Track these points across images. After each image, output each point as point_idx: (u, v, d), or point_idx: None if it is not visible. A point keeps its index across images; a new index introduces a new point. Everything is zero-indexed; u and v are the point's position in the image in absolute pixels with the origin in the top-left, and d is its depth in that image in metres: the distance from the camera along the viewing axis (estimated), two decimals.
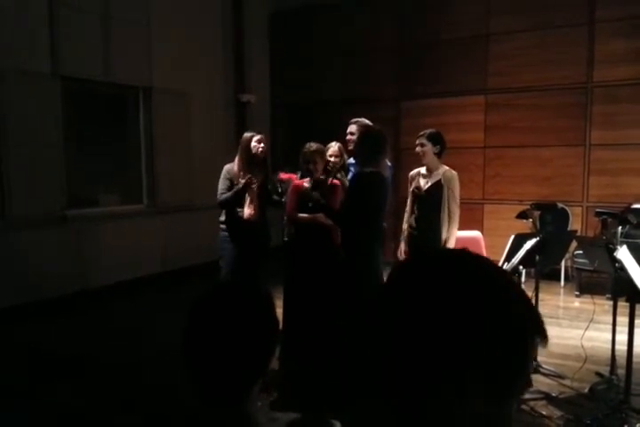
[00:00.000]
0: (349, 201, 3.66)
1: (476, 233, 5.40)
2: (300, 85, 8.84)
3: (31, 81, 5.72)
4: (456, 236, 4.17)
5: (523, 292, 0.71)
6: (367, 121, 4.53)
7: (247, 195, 4.43)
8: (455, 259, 0.73)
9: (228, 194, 4.46)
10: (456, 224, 4.20)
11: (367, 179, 3.65)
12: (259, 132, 4.59)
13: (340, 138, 4.49)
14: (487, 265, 0.72)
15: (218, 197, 4.56)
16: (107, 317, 5.68)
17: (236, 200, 4.41)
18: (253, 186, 4.37)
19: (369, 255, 3.64)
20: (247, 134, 4.61)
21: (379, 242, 3.78)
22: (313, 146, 3.92)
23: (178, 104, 7.30)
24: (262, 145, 4.54)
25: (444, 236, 4.15)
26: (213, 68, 7.94)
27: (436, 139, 4.21)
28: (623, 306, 3.84)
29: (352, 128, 4.46)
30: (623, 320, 3.71)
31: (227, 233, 4.57)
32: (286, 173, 4.77)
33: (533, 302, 4.10)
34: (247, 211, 4.42)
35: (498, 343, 0.65)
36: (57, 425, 3.43)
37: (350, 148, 4.35)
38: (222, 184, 4.51)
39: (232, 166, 4.57)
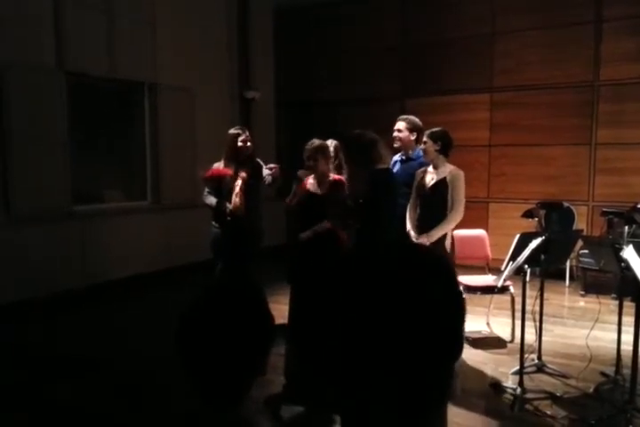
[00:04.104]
0: (375, 198, 3.62)
1: (480, 232, 5.38)
2: (304, 83, 8.82)
3: (36, 77, 5.72)
4: (440, 234, 4.09)
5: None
6: (415, 119, 4.56)
7: (234, 187, 4.51)
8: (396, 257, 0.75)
9: (211, 201, 4.61)
10: (449, 224, 4.14)
11: (381, 176, 3.65)
12: (243, 130, 4.62)
13: None
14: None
15: (203, 196, 4.67)
16: (110, 313, 5.68)
17: (215, 209, 4.62)
18: (238, 184, 4.44)
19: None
20: (232, 132, 4.65)
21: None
22: (315, 142, 3.91)
23: (183, 100, 7.30)
24: (249, 144, 4.59)
25: (433, 232, 4.10)
26: (218, 65, 7.92)
27: (436, 136, 4.21)
28: (629, 306, 3.82)
29: (400, 125, 4.52)
30: (629, 320, 3.69)
31: (218, 230, 4.63)
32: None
33: (538, 301, 4.08)
34: (234, 200, 4.49)
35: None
36: (57, 425, 3.43)
37: (396, 145, 4.48)
38: (210, 183, 4.65)
39: (219, 165, 4.64)
